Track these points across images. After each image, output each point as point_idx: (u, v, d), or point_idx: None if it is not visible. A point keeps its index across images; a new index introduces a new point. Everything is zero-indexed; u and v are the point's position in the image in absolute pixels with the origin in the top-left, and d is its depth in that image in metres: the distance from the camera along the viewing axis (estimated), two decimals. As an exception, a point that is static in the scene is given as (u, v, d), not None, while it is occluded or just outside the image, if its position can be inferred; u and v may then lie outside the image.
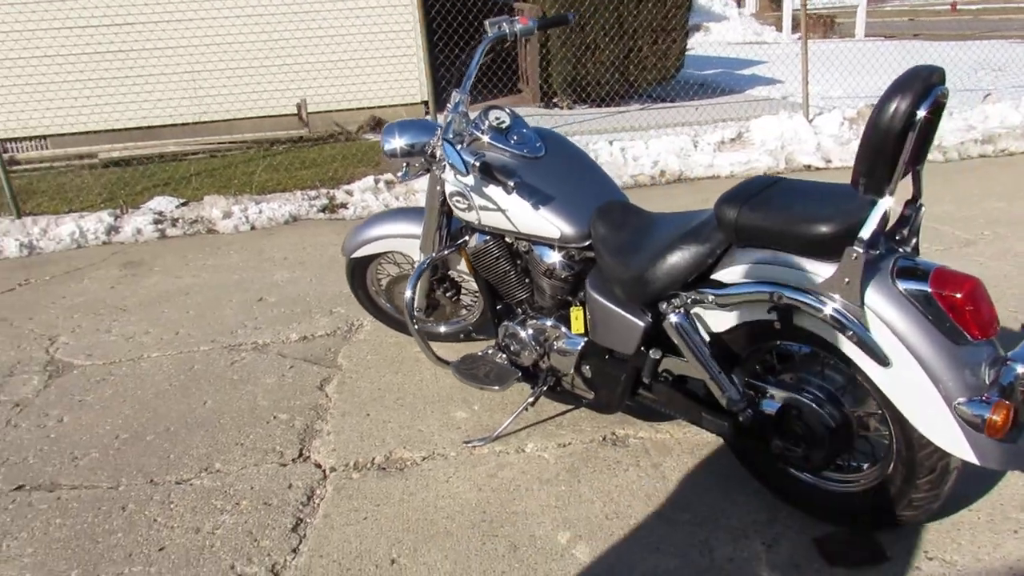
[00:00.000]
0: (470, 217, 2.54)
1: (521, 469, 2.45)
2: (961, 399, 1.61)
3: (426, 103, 8.16)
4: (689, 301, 2.03)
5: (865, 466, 2.03)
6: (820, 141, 6.69)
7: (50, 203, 6.24)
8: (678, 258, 2.01)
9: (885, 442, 1.93)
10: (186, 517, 2.32)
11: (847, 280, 1.72)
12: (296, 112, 7.69)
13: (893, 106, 1.55)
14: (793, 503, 2.16)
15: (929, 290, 1.67)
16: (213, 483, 2.49)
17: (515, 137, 2.50)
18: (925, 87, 1.56)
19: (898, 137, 1.56)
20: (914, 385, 1.69)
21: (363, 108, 7.96)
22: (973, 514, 2.12)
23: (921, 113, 1.55)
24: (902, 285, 1.70)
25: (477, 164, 2.27)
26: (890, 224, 1.85)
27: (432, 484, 2.40)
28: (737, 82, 9.88)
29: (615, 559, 2.04)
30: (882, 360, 1.72)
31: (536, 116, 8.11)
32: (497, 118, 2.53)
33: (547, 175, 2.42)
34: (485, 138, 2.49)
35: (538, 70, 8.28)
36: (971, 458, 1.67)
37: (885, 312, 1.70)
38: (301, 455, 2.61)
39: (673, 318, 2.06)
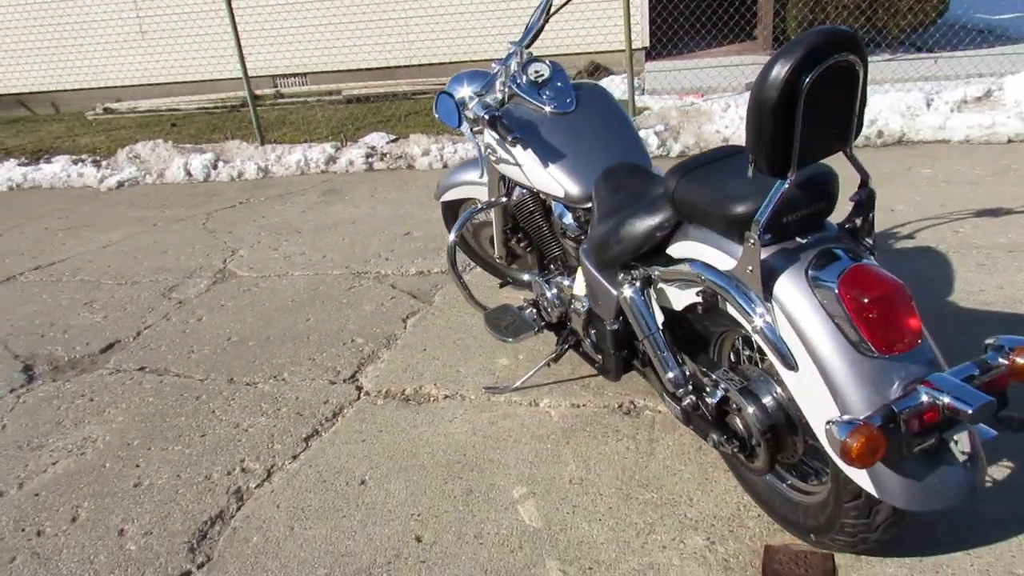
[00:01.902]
0: (500, 168, 2.59)
1: (521, 422, 2.50)
2: (836, 417, 1.40)
3: (645, 49, 7.98)
4: (648, 274, 1.93)
5: (823, 478, 1.82)
6: (1096, 104, 5.53)
7: (292, 133, 7.13)
8: (631, 228, 1.91)
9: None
10: (235, 413, 2.70)
11: (749, 268, 1.54)
12: (515, 56, 7.93)
13: (772, 74, 1.35)
14: (758, 503, 2.00)
15: (836, 290, 1.44)
16: (272, 389, 2.85)
17: (548, 92, 2.47)
18: (811, 52, 1.33)
19: (777, 110, 1.35)
20: (816, 395, 1.49)
21: (582, 53, 7.98)
22: (968, 559, 1.81)
23: (807, 81, 1.33)
24: (814, 281, 1.49)
25: (486, 117, 2.31)
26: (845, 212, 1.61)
27: (436, 421, 2.55)
28: (1034, 29, 8.34)
29: (550, 521, 2.05)
30: (789, 362, 1.53)
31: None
32: (536, 71, 2.52)
33: (567, 132, 2.38)
34: (516, 91, 2.50)
35: (772, 14, 7.68)
36: (870, 488, 1.45)
37: (791, 309, 1.50)
38: (352, 377, 2.88)
39: (626, 291, 1.97)
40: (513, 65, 2.58)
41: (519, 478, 2.24)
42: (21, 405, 2.89)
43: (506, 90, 2.55)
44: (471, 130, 2.59)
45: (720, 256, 1.67)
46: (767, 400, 1.75)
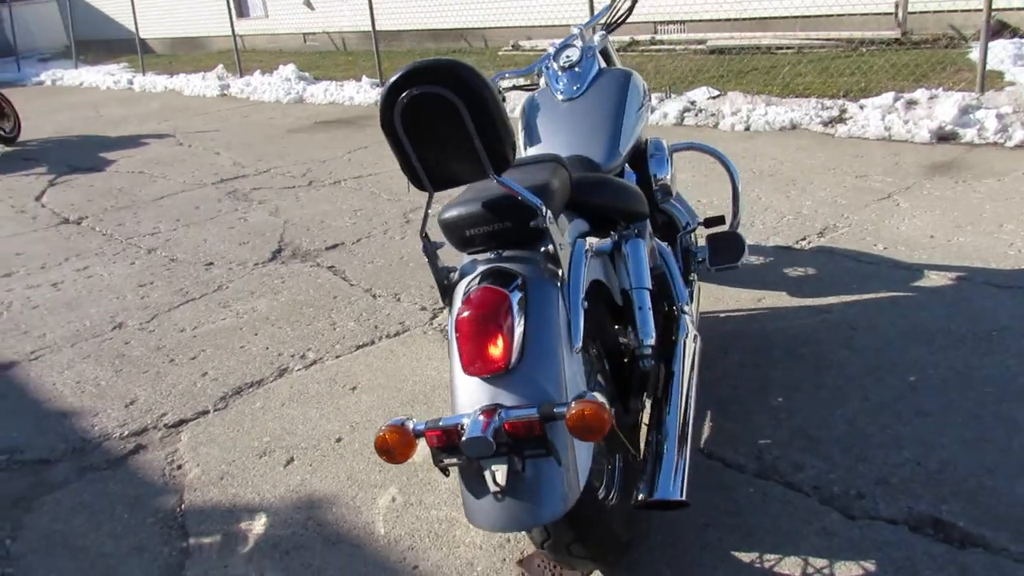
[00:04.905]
0: None
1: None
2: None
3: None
4: None
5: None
6: None
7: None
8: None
9: None
10: (342, 314, 3.41)
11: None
12: (893, 11, 6.99)
13: (380, 99, 1.46)
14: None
15: (459, 304, 1.50)
16: (383, 304, 3.48)
17: (567, 77, 2.54)
18: (397, 81, 1.40)
19: (387, 131, 1.46)
20: (456, 400, 1.58)
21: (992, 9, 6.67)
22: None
23: (397, 107, 1.41)
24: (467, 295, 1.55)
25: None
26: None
27: (448, 360, 2.92)
28: None
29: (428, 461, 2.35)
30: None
31: None
32: (567, 56, 2.60)
33: (558, 118, 2.45)
34: (545, 74, 2.62)
35: None
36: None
37: (451, 314, 1.59)
38: (440, 309, 3.37)
39: None
40: (571, 42, 2.69)
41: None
42: (249, 274, 4.00)
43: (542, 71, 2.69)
44: None
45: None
46: None
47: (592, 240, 1.82)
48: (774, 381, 2.52)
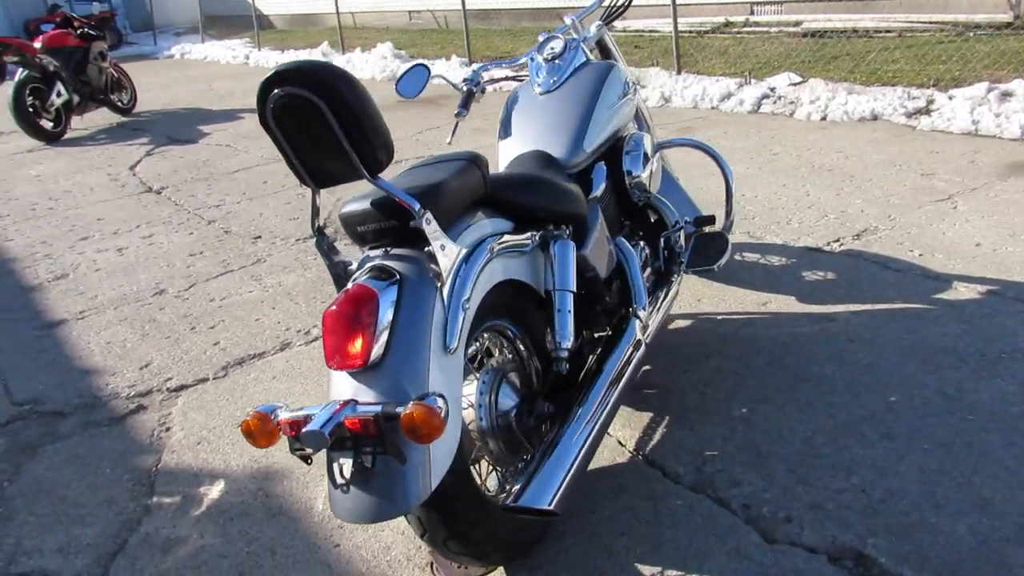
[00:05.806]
0: None
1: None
2: (288, 405, 1.53)
3: None
4: None
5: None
6: None
7: (721, 65, 7.19)
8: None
9: None
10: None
11: (331, 264, 1.71)
12: (1007, -7, 6.42)
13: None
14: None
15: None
16: (397, 285, 3.57)
17: (547, 70, 2.51)
18: (266, 83, 1.43)
19: (266, 130, 1.50)
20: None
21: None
22: None
23: (267, 109, 1.45)
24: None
25: (464, 88, 2.53)
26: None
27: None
28: None
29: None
30: None
31: None
32: (551, 48, 2.56)
33: (532, 111, 2.43)
34: (530, 66, 2.59)
35: None
36: None
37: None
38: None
39: None
40: (559, 34, 2.66)
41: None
42: (288, 249, 4.18)
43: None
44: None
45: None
46: None
47: (506, 239, 1.81)
48: (745, 390, 2.43)
